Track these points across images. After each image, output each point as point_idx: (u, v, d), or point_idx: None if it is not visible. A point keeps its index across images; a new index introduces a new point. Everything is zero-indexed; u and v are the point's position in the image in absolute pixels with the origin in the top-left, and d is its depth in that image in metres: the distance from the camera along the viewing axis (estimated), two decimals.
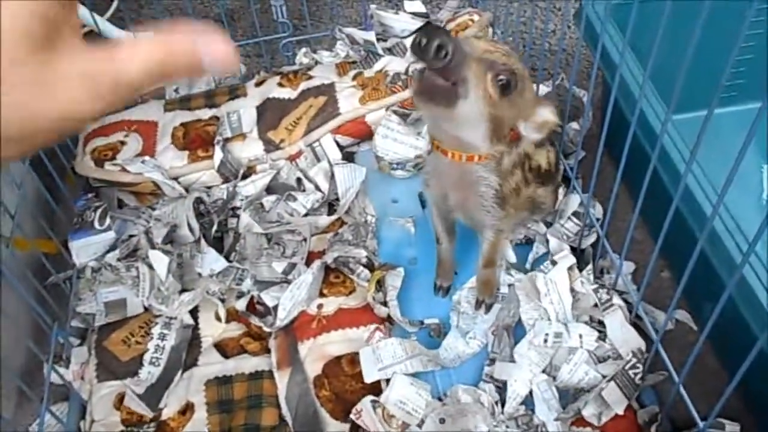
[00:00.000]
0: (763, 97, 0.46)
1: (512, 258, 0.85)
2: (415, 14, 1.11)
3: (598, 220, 0.84)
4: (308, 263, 0.86)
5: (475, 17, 1.02)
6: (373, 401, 0.71)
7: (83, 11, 1.06)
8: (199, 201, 0.94)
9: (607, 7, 0.72)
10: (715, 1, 0.51)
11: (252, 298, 0.85)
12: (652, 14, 0.59)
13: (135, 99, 1.10)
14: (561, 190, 0.88)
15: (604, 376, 0.71)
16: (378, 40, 1.07)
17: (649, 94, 0.73)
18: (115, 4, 1.30)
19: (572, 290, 0.77)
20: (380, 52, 1.07)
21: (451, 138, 0.65)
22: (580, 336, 0.73)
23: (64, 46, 0.23)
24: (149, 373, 0.78)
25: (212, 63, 0.25)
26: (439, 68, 0.55)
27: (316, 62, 1.13)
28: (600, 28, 0.77)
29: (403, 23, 1.09)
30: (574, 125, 0.94)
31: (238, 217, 0.93)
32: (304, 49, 1.16)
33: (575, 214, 0.86)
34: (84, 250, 0.88)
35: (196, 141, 0.99)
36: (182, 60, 0.25)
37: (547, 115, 0.66)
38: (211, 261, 0.87)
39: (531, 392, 0.72)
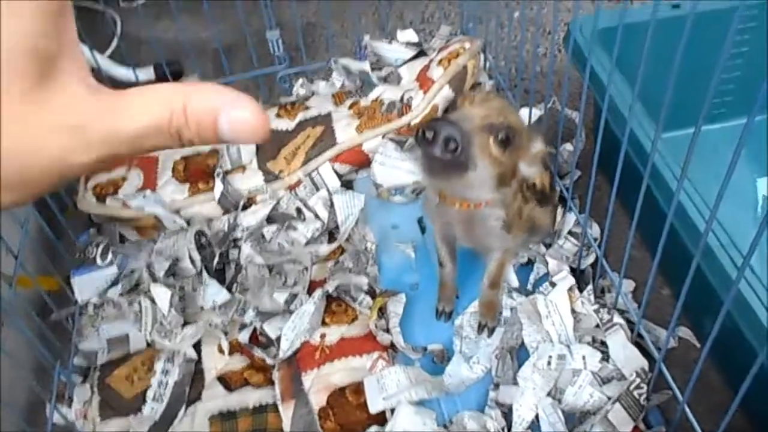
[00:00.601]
0: (765, 110, 0.47)
1: (514, 282, 0.85)
2: (408, 43, 1.13)
3: (595, 239, 0.84)
4: (310, 292, 0.87)
5: (467, 45, 1.04)
6: None
7: (83, 49, 1.08)
8: (200, 233, 0.94)
9: (593, 30, 0.73)
10: (698, 20, 0.52)
11: (255, 329, 0.85)
12: (638, 36, 0.61)
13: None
14: (559, 211, 0.89)
15: (609, 398, 0.70)
16: (372, 69, 1.09)
17: (639, 113, 0.74)
18: (115, 42, 1.33)
19: (573, 311, 0.77)
20: (375, 81, 1.08)
21: (460, 196, 0.69)
22: (583, 357, 0.72)
23: (58, 86, 0.21)
24: (152, 409, 0.78)
25: (232, 131, 0.22)
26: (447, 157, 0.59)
27: (313, 93, 1.15)
28: (588, 51, 0.78)
29: (397, 52, 1.12)
30: (568, 146, 0.95)
31: (239, 248, 0.93)
32: (300, 80, 1.18)
33: (573, 234, 0.86)
34: (86, 286, 0.89)
35: (196, 174, 1.01)
36: (197, 121, 0.22)
37: (538, 146, 0.69)
38: (213, 293, 0.87)
39: (537, 416, 0.71)
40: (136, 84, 1.19)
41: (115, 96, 0.22)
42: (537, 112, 0.95)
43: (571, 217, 0.87)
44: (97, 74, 1.13)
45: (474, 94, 0.68)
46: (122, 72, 1.20)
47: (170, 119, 0.22)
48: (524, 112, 0.98)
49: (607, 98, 0.70)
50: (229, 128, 0.22)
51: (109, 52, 1.31)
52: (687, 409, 0.62)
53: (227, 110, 0.22)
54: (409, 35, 1.15)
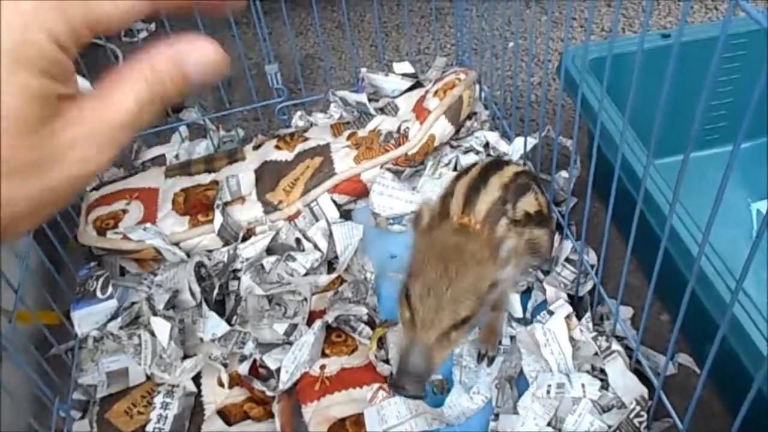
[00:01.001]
0: (758, 135, 0.48)
1: (517, 312, 0.84)
2: (404, 75, 1.15)
3: (592, 266, 0.84)
4: (309, 323, 0.87)
5: (462, 76, 1.06)
6: None
7: (85, 84, 1.10)
8: (200, 265, 0.95)
9: (584, 60, 0.75)
10: (686, 49, 0.54)
11: (254, 361, 0.84)
12: (629, 65, 0.62)
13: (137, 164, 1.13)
14: (556, 238, 0.89)
15: (609, 426, 0.69)
16: (370, 100, 1.11)
17: (630, 140, 0.76)
18: None
19: (572, 339, 0.77)
20: (372, 112, 1.10)
21: None
22: (583, 386, 0.72)
23: (62, 113, 0.23)
24: None
25: (201, 72, 0.24)
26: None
27: (312, 124, 1.17)
28: (579, 79, 0.80)
29: (393, 84, 1.14)
30: (564, 173, 0.96)
31: (239, 279, 0.94)
32: (299, 112, 1.20)
33: (570, 261, 0.86)
34: (86, 319, 0.89)
35: (196, 206, 1.01)
36: (170, 81, 0.24)
37: (507, 246, 0.62)
38: (213, 325, 0.87)
39: None
40: None
41: (101, 96, 0.24)
42: (532, 141, 0.97)
43: (568, 245, 0.88)
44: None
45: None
46: None
47: (153, 92, 0.23)
48: (519, 141, 1.00)
49: (599, 126, 0.71)
50: (198, 71, 0.24)
51: None
52: None
53: (191, 59, 0.24)
54: (405, 67, 1.17)
